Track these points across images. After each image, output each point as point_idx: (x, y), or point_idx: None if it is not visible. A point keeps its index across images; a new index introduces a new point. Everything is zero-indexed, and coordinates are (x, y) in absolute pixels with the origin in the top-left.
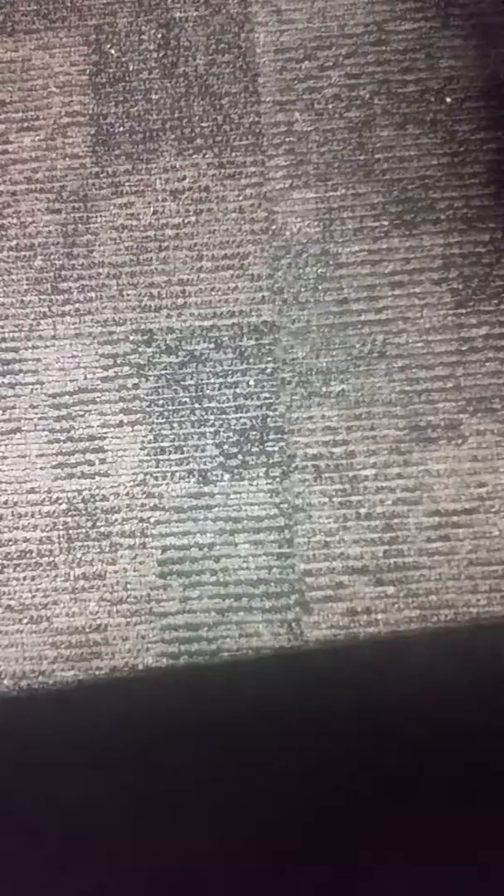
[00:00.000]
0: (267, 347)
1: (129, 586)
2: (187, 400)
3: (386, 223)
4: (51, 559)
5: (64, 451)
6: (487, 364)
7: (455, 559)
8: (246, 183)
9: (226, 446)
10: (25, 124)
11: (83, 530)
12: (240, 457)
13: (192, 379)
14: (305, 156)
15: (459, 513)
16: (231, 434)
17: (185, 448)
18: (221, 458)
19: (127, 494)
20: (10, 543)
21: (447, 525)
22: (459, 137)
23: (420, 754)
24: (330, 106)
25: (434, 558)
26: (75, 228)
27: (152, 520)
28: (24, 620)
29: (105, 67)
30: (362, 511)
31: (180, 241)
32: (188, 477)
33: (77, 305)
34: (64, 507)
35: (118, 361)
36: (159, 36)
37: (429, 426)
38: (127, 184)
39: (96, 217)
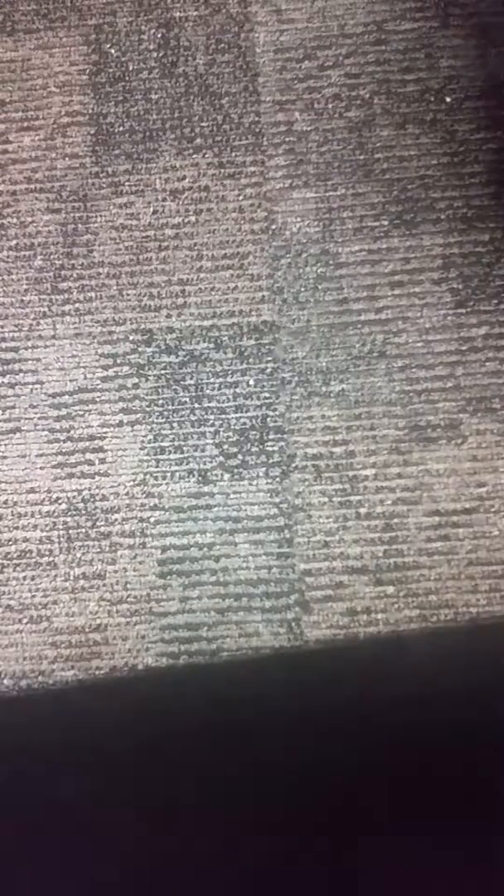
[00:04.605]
0: (267, 347)
1: (129, 586)
2: (187, 400)
3: (386, 223)
4: (51, 559)
5: (64, 450)
6: (487, 364)
7: (455, 559)
8: (246, 183)
9: (226, 446)
10: (25, 124)
11: (83, 530)
12: (240, 457)
13: (191, 379)
14: (305, 156)
15: (459, 513)
16: (231, 434)
17: (185, 448)
18: (221, 458)
19: (127, 494)
20: (10, 543)
21: (447, 525)
22: (459, 137)
23: (420, 754)
24: (330, 106)
25: (434, 558)
26: (75, 228)
27: (152, 520)
28: (24, 620)
29: (105, 67)
30: (362, 511)
31: (180, 240)
32: (188, 477)
33: (77, 305)
34: (64, 506)
35: (118, 361)
36: (159, 36)
37: (429, 426)
38: (127, 184)
39: (96, 217)
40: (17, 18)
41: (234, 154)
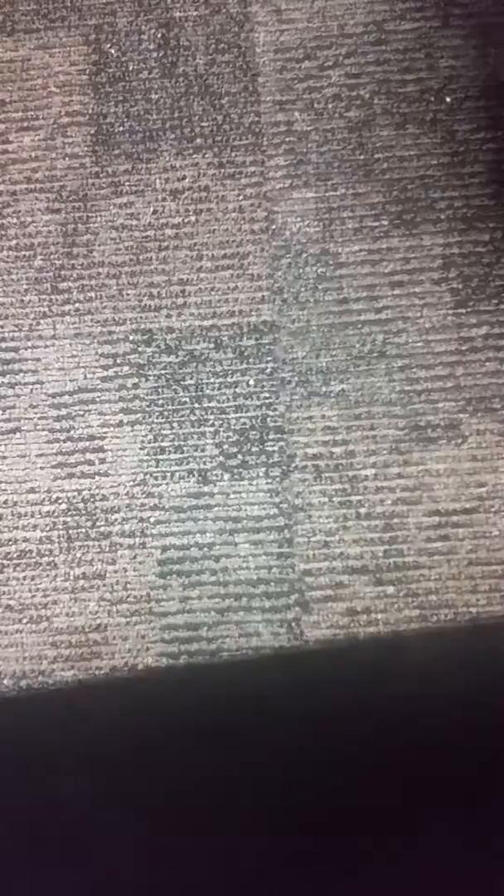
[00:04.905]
0: (267, 347)
1: (128, 586)
2: (187, 400)
3: (386, 223)
4: (51, 559)
5: (64, 450)
6: (487, 364)
7: (455, 559)
8: (246, 183)
9: (226, 446)
10: (25, 124)
11: (83, 530)
12: (240, 457)
13: (191, 379)
14: (305, 155)
15: (459, 513)
16: (231, 434)
17: (184, 448)
18: (221, 458)
19: (127, 494)
20: (10, 543)
21: (447, 525)
22: (459, 137)
23: (420, 754)
24: (330, 106)
25: (434, 558)
26: (75, 228)
27: (152, 520)
28: (24, 620)
29: (105, 67)
30: (362, 511)
31: (180, 240)
32: (188, 477)
33: (77, 305)
34: (64, 506)
35: (118, 361)
36: (159, 36)
37: (429, 426)
38: (127, 184)
39: (96, 217)
40: (17, 18)
41: (234, 154)
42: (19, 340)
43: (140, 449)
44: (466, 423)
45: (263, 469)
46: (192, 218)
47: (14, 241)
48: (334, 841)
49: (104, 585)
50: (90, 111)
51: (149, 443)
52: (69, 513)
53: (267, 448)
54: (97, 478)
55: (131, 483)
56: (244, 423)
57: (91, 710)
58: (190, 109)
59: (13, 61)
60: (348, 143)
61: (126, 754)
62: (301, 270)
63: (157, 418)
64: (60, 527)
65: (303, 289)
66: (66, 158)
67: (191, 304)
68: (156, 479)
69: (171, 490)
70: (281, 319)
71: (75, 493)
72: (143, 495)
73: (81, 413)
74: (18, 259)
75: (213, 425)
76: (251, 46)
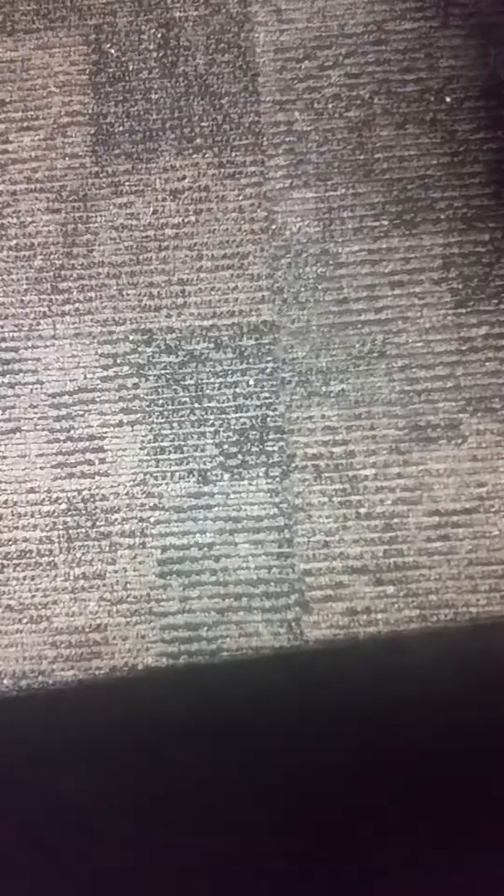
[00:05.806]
0: (267, 347)
1: (128, 586)
2: (187, 400)
3: (386, 223)
4: (51, 559)
5: (64, 450)
6: (487, 364)
7: (455, 559)
8: (246, 183)
9: (226, 446)
10: (25, 124)
11: (83, 530)
12: (240, 457)
13: (191, 379)
14: (305, 155)
15: (459, 512)
16: (231, 434)
17: (184, 448)
18: (221, 458)
19: (127, 494)
20: (10, 543)
21: (447, 525)
22: (459, 137)
23: (420, 754)
24: (330, 106)
25: (434, 558)
26: (75, 228)
27: (152, 520)
28: (24, 620)
29: (105, 67)
30: (362, 511)
31: (180, 240)
32: (188, 477)
33: (77, 305)
34: (64, 506)
35: (118, 361)
36: (159, 36)
37: (429, 426)
38: (127, 183)
39: (96, 217)
40: (17, 18)
41: (234, 154)
42: (19, 340)
43: (140, 449)
44: (466, 423)
45: (263, 469)
46: (192, 218)
47: (14, 241)
48: (334, 841)
49: (104, 585)
50: (90, 111)
51: (149, 443)
52: (69, 513)
53: (267, 448)
54: (97, 478)
55: (131, 483)
56: (244, 423)
57: (91, 710)
58: (190, 109)
59: (13, 61)
60: (348, 143)
61: (126, 754)
62: (301, 270)
63: (157, 418)
64: (60, 527)
65: (303, 289)
66: (66, 158)
67: (191, 304)
68: (156, 479)
69: (171, 490)
70: (281, 319)
71: (75, 493)
72: (143, 495)
73: (81, 413)
74: (18, 259)
75: (213, 425)
76: (251, 46)
